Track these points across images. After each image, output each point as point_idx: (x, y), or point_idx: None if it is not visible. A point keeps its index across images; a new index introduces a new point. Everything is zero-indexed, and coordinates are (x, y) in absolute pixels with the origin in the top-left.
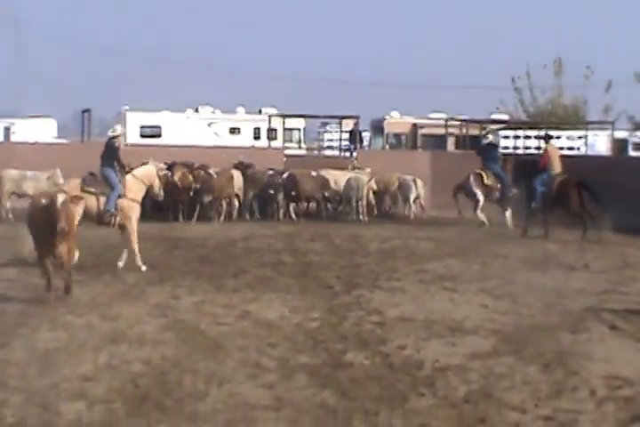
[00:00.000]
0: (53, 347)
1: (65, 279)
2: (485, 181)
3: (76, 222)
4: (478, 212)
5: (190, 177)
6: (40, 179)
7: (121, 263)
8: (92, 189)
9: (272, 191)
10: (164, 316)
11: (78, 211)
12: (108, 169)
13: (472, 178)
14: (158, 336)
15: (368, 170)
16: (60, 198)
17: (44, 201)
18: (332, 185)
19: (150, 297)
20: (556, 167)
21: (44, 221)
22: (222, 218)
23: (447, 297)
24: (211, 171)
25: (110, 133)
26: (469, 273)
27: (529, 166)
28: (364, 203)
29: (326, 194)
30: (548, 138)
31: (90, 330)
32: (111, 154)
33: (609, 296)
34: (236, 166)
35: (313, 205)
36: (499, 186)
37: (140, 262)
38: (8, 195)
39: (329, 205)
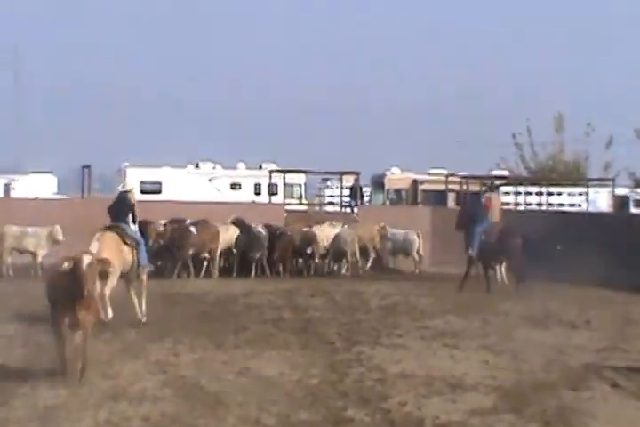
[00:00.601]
0: (54, 404)
1: (81, 354)
2: None
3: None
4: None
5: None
6: (41, 235)
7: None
8: (129, 241)
9: (235, 250)
10: (164, 372)
11: (113, 280)
12: (124, 224)
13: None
14: (158, 393)
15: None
16: (86, 260)
17: (66, 264)
18: (325, 241)
19: (150, 354)
20: (495, 216)
21: (66, 286)
22: (211, 273)
23: (448, 354)
24: (192, 227)
25: (121, 188)
26: (470, 329)
27: (469, 215)
28: (357, 257)
29: (308, 251)
30: (493, 188)
31: (90, 387)
32: (125, 209)
33: (610, 354)
34: (234, 222)
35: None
36: None
37: (144, 313)
38: (9, 251)
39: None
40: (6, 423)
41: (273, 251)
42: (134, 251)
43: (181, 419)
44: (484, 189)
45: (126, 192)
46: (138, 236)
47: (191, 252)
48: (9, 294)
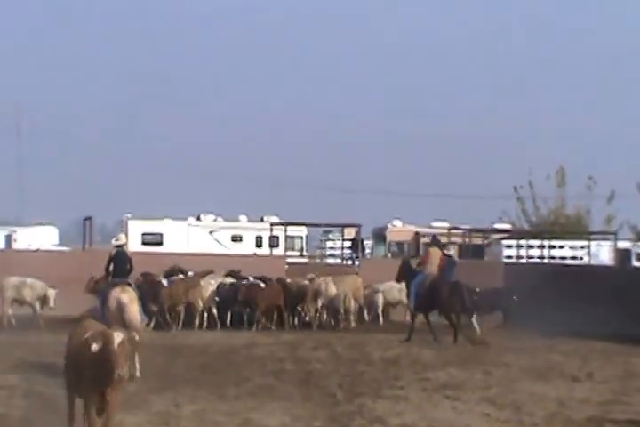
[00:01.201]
0: None
1: None
2: None
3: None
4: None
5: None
6: (37, 288)
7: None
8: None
9: (217, 298)
10: (165, 424)
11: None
12: (125, 279)
13: None
14: None
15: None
16: (118, 339)
17: (95, 346)
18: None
19: (151, 405)
20: (433, 269)
21: (92, 366)
22: (179, 326)
23: (450, 406)
24: (161, 279)
25: (115, 242)
26: (472, 382)
27: (408, 268)
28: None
29: (298, 307)
30: (434, 242)
31: None
32: (125, 262)
33: (612, 407)
34: (228, 274)
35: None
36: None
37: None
38: (9, 302)
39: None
40: None
41: (262, 303)
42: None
43: None
44: (427, 241)
45: (122, 246)
46: (137, 291)
47: (166, 304)
48: (10, 344)
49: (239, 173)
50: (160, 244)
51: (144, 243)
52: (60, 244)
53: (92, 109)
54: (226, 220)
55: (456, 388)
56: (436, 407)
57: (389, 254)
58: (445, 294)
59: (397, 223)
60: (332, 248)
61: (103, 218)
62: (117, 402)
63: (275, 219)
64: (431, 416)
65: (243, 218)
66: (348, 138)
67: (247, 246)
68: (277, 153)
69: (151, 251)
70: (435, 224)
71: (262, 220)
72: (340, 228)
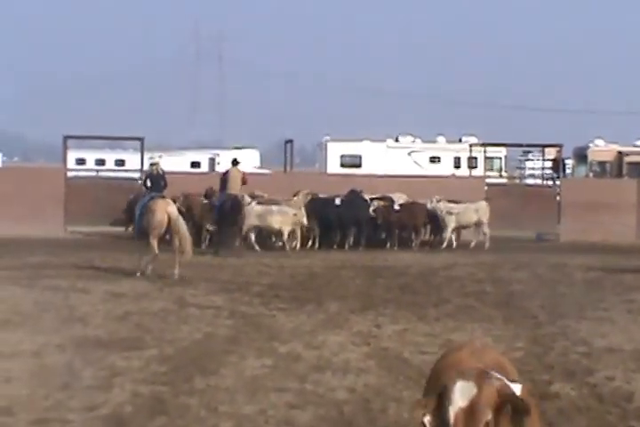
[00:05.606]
0: (260, 374)
1: None
2: None
3: None
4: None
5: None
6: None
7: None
8: None
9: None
10: (367, 344)
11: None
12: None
13: None
14: (362, 364)
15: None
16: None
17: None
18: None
19: (353, 325)
20: (234, 189)
21: None
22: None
23: None
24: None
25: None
26: None
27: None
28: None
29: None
30: (234, 162)
31: (295, 358)
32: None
33: None
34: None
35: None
36: None
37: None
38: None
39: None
40: (216, 391)
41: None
42: None
43: (385, 391)
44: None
45: (155, 164)
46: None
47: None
48: (215, 266)
49: (438, 95)
50: (359, 166)
51: (343, 165)
52: (261, 166)
53: (288, 34)
54: (424, 141)
55: None
56: None
57: (591, 174)
58: (228, 215)
59: (600, 142)
60: (531, 168)
61: (302, 140)
62: None
63: (473, 139)
64: (638, 338)
65: (441, 139)
66: (547, 56)
67: (445, 167)
68: (475, 74)
69: (350, 172)
70: (639, 143)
71: (460, 141)
72: (541, 148)
